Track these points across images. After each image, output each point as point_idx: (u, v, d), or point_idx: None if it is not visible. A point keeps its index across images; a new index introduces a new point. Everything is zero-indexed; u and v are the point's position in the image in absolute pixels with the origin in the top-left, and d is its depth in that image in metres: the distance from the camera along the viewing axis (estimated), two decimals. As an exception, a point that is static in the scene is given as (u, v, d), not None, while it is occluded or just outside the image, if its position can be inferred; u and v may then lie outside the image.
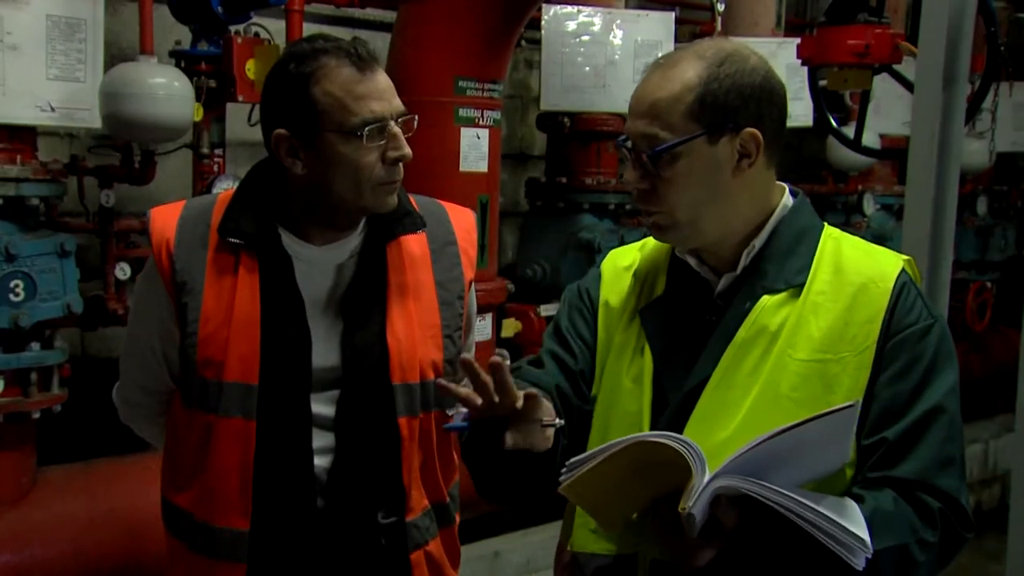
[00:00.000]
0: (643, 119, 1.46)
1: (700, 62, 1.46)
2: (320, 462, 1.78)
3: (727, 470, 1.29)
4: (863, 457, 1.43)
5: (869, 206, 5.60)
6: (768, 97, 1.47)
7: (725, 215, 1.48)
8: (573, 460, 1.37)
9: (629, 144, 1.48)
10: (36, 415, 3.00)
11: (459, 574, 2.00)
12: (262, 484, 1.76)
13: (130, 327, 1.95)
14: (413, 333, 1.82)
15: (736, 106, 1.44)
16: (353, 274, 1.82)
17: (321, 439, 1.78)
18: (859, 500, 1.37)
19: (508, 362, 1.41)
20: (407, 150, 1.75)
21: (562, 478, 1.38)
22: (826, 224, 1.57)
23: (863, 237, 1.56)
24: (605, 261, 1.71)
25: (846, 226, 5.33)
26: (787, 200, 1.54)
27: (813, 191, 5.29)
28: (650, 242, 1.65)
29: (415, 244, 1.87)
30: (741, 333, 1.47)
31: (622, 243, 4.45)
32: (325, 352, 1.78)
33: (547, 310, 4.42)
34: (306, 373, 1.77)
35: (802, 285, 1.47)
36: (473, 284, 1.95)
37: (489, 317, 3.86)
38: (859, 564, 1.28)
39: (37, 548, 2.96)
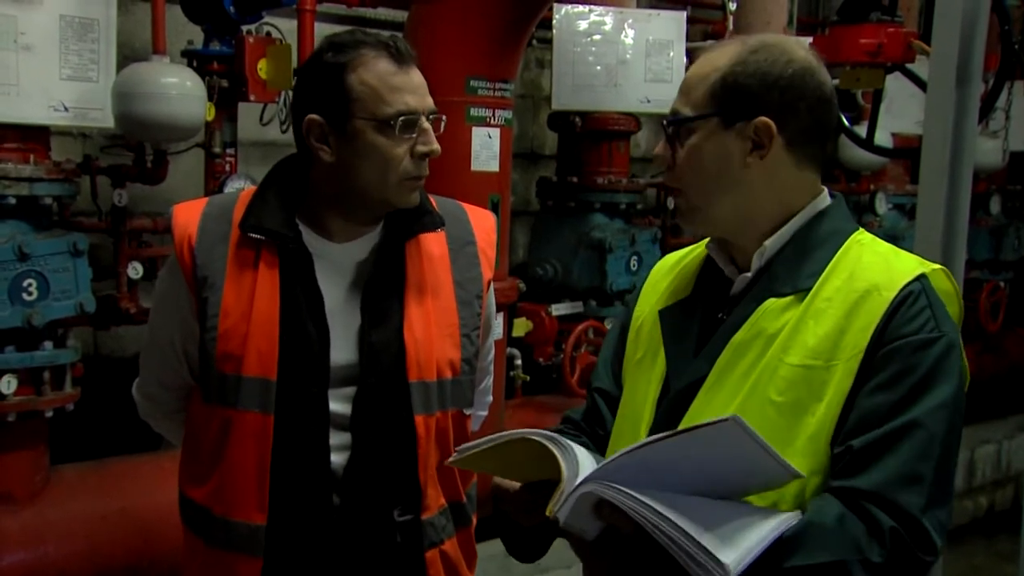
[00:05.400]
0: (678, 95, 1.49)
1: (739, 47, 1.45)
2: (337, 459, 1.78)
3: (595, 476, 1.24)
4: (832, 467, 1.34)
5: (882, 205, 5.58)
6: (798, 92, 1.42)
7: (740, 205, 1.46)
8: (464, 445, 1.46)
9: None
10: (49, 414, 3.01)
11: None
12: (279, 479, 1.77)
13: (151, 322, 1.96)
14: (431, 331, 1.82)
15: (756, 93, 1.42)
16: (372, 271, 1.82)
17: (338, 436, 1.78)
18: (804, 511, 1.29)
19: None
20: (436, 145, 1.78)
21: (451, 458, 1.52)
22: (861, 230, 1.50)
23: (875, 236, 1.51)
24: (655, 266, 1.70)
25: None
26: (818, 203, 1.49)
27: (825, 190, 5.25)
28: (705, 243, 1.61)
29: (434, 243, 1.88)
30: (740, 335, 1.42)
31: (633, 243, 4.48)
32: (343, 348, 1.79)
33: (558, 309, 4.42)
34: (324, 369, 1.77)
35: (809, 289, 1.41)
36: (492, 285, 1.96)
37: (500, 316, 3.86)
38: None
39: (50, 546, 2.97)
